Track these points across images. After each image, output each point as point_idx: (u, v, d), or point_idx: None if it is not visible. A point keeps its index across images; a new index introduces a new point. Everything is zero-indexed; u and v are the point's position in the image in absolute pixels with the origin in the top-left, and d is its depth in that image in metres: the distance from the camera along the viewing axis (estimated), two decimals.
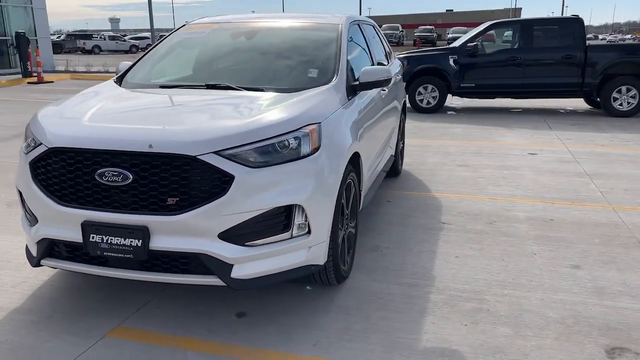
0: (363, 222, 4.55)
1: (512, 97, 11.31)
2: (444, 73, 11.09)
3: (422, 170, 6.34)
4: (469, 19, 70.74)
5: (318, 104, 3.23)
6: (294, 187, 2.83)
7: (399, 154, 5.87)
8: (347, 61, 3.87)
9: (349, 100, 3.64)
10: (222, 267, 2.72)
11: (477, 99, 12.32)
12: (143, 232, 2.68)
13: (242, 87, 3.52)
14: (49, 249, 2.94)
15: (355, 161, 3.60)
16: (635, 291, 3.36)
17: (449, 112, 11.27)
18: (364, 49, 4.65)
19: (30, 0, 21.80)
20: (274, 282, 2.89)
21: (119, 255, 2.73)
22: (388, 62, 5.63)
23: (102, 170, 2.70)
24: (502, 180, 5.95)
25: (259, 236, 2.78)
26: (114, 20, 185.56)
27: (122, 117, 3.05)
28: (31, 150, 2.93)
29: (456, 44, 11.60)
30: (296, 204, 2.81)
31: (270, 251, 2.81)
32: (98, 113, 3.06)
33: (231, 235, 2.72)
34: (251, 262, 2.78)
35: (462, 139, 8.32)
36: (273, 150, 2.80)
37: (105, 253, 2.75)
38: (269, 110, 3.04)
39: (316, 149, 2.95)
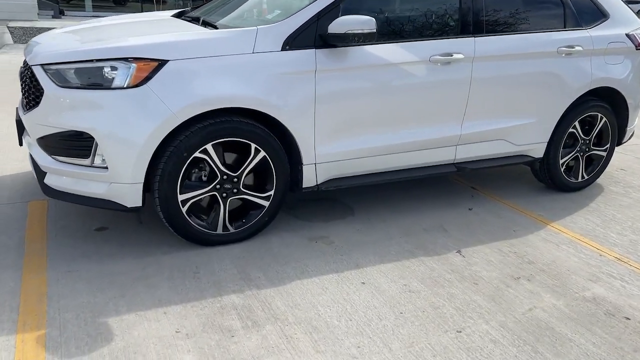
0: (380, 218, 3.69)
1: None
2: None
3: (628, 198, 4.24)
4: None
5: (194, 41, 2.91)
6: (92, 116, 2.81)
7: (559, 159, 4.11)
8: (332, 8, 3.13)
9: (283, 50, 3.03)
10: (39, 171, 3.04)
11: None
12: (19, 124, 3.25)
13: (213, 24, 3.41)
14: None
15: (270, 122, 3.07)
16: None
17: None
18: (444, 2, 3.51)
19: None
20: (81, 204, 2.98)
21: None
22: (579, 26, 3.95)
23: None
24: None
25: (63, 153, 2.93)
26: None
27: (81, 35, 3.53)
28: None
29: None
30: (89, 134, 2.79)
31: (72, 172, 2.92)
32: (75, 30, 3.65)
33: (44, 144, 2.98)
34: (59, 176, 2.97)
35: None
36: (87, 74, 2.82)
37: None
38: (135, 37, 2.98)
39: (138, 85, 2.77)
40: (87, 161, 2.88)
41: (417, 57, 3.38)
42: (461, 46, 3.51)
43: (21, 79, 3.22)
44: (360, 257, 3.10)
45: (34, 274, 2.80)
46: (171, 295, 2.66)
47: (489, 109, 3.72)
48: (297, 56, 3.07)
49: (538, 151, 4.06)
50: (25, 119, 3.07)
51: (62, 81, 2.85)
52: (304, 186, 3.29)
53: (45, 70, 2.88)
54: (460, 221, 3.66)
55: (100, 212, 3.49)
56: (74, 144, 2.88)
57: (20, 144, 3.35)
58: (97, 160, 2.87)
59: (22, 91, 3.21)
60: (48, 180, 3.01)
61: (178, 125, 2.85)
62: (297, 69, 3.06)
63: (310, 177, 3.28)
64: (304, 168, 3.24)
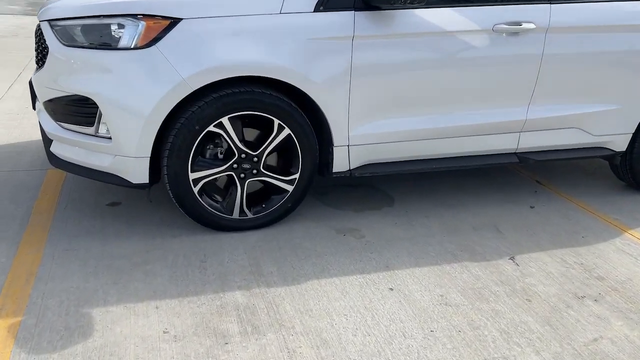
0: (422, 211, 3.24)
1: None
2: None
3: None
4: None
5: None
6: (96, 79, 2.52)
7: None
8: None
9: (316, 11, 2.60)
10: (46, 138, 2.81)
11: None
12: (32, 86, 3.03)
13: None
14: None
15: (297, 95, 2.67)
16: None
17: None
18: None
19: None
20: (86, 176, 2.72)
21: None
22: None
23: None
24: None
25: (68, 120, 2.67)
26: None
27: None
28: None
29: None
30: (92, 99, 2.50)
31: (77, 140, 2.66)
32: None
33: (50, 109, 2.73)
34: (64, 144, 2.72)
35: None
36: (94, 32, 2.53)
37: None
38: None
39: (146, 46, 2.44)
40: (91, 130, 2.60)
41: (477, 25, 2.85)
42: (533, 14, 2.94)
43: (35, 36, 2.99)
44: (392, 257, 2.68)
45: (31, 248, 2.57)
46: (169, 287, 2.35)
47: (562, 91, 3.14)
48: (332, 19, 2.63)
49: (620, 143, 3.42)
50: (34, 80, 2.83)
51: (67, 39, 2.57)
52: (334, 171, 2.88)
53: (52, 27, 2.61)
54: (518, 221, 3.14)
55: (116, 186, 3.24)
56: (79, 110, 2.61)
57: (34, 107, 3.14)
58: (102, 130, 2.58)
59: (35, 50, 2.98)
60: (54, 148, 2.77)
61: (190, 94, 2.50)
62: (332, 34, 2.63)
63: (342, 161, 2.87)
64: (335, 150, 2.83)
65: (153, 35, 2.45)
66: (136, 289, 2.32)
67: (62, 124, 2.69)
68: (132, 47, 2.46)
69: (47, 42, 2.63)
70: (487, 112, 3.03)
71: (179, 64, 2.45)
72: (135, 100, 2.47)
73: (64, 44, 2.57)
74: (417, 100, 2.89)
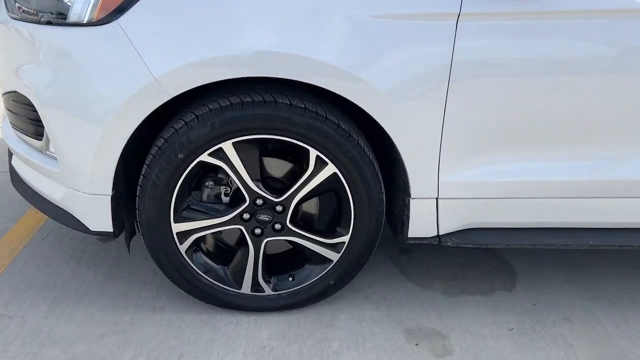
0: (559, 307, 1.98)
1: None
2: None
3: None
4: None
5: None
6: (34, 70, 1.65)
7: None
8: None
9: None
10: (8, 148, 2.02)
11: None
12: None
13: None
14: None
15: (351, 110, 1.59)
16: None
17: None
18: None
19: None
20: (40, 209, 1.85)
21: None
22: None
23: None
24: None
25: (19, 125, 1.84)
26: None
27: None
28: None
29: None
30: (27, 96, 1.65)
31: (25, 157, 1.82)
32: None
33: (5, 107, 1.92)
34: (21, 161, 1.91)
35: None
36: (51, 1, 1.63)
37: None
38: None
39: (103, 21, 1.50)
40: (39, 143, 1.75)
41: None
42: None
43: None
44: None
45: None
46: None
47: None
48: None
49: None
50: None
51: (15, 9, 1.72)
52: (410, 235, 1.75)
53: None
54: None
55: None
56: (25, 113, 1.76)
57: None
58: (52, 146, 1.72)
59: None
60: (14, 162, 1.99)
61: (169, 102, 1.54)
62: (418, 10, 1.48)
63: (424, 221, 1.71)
64: (413, 204, 1.68)
65: (114, 4, 1.50)
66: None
67: (16, 130, 1.88)
68: (84, 22, 1.53)
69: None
70: None
71: (150, 52, 1.48)
72: (84, 108, 1.55)
73: (10, 16, 1.73)
74: (572, 131, 1.63)
